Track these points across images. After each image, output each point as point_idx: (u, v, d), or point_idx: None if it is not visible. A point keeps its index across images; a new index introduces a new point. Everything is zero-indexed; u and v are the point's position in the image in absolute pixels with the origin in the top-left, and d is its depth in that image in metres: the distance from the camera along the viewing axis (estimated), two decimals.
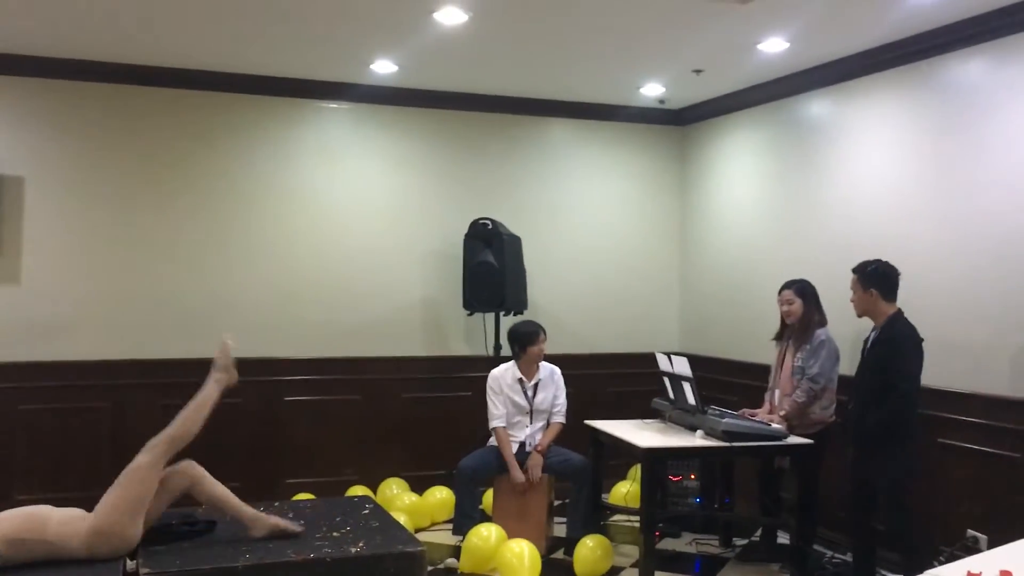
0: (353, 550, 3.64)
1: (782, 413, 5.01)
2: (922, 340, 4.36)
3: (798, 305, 5.11)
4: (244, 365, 6.13)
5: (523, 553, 4.79)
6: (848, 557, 4.93)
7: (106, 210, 5.97)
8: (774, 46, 5.25)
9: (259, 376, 6.21)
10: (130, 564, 3.58)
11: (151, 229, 6.05)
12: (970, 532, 4.54)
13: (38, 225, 5.82)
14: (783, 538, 5.32)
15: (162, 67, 5.95)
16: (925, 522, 4.52)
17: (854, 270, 4.57)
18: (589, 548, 5.03)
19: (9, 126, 5.77)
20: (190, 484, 3.73)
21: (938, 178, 4.92)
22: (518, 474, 5.38)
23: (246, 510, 3.77)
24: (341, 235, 6.47)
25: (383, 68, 5.91)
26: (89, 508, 3.54)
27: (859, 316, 4.59)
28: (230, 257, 6.22)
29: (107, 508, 3.51)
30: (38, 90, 5.81)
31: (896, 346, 4.34)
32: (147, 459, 3.59)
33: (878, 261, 4.53)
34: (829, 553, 5.26)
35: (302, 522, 3.89)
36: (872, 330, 4.54)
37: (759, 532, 5.71)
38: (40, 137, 5.83)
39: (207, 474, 3.78)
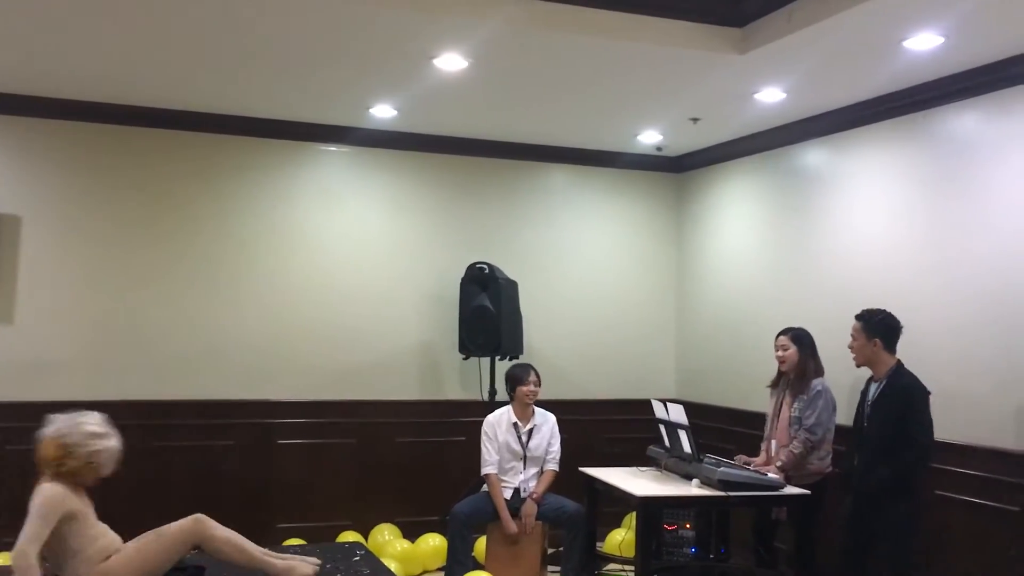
0: None
1: (779, 464, 4.97)
2: (929, 393, 4.34)
3: (793, 352, 5.09)
4: (237, 407, 6.17)
5: None
6: None
7: (102, 250, 5.96)
8: (771, 96, 5.30)
9: (252, 418, 6.18)
10: None
11: (147, 270, 6.04)
12: None
13: (34, 264, 5.81)
14: None
15: (161, 109, 5.99)
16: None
17: (858, 317, 4.53)
18: None
19: (7, 165, 5.78)
20: (200, 541, 3.63)
21: (934, 228, 4.94)
22: (510, 524, 5.31)
23: (258, 557, 3.67)
24: (338, 278, 6.47)
25: (383, 112, 5.95)
26: None
27: (858, 365, 4.55)
28: (226, 298, 6.21)
29: (124, 561, 3.47)
30: (37, 130, 5.84)
31: (908, 398, 4.30)
32: (186, 536, 3.57)
33: (884, 311, 4.48)
34: None
35: (317, 561, 3.79)
36: (872, 381, 4.51)
37: None
38: (38, 177, 5.85)
39: (217, 526, 3.67)
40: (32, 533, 3.30)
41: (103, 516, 3.57)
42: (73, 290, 5.89)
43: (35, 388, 5.72)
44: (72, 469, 3.48)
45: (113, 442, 3.59)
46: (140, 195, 6.06)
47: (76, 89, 5.63)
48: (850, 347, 4.54)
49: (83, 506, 3.52)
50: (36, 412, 5.64)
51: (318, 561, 3.77)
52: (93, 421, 3.59)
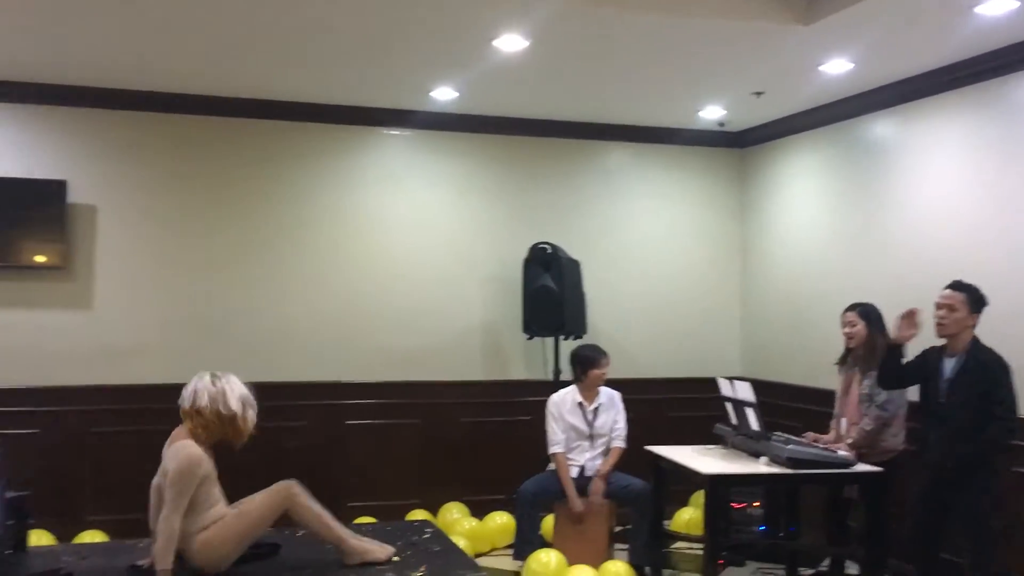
0: (414, 574, 3.64)
1: (849, 441, 4.90)
2: (1008, 367, 4.23)
3: (861, 327, 4.99)
4: (308, 389, 6.29)
5: None
6: None
7: (175, 237, 6.12)
8: (837, 67, 5.19)
9: (321, 400, 6.31)
10: None
11: (218, 255, 6.19)
12: None
13: (110, 253, 5.99)
14: (851, 568, 5.18)
15: (228, 97, 6.10)
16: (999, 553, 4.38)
17: (959, 288, 4.27)
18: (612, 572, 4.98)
19: (83, 157, 5.96)
20: (290, 506, 3.69)
21: (1007, 199, 4.80)
22: (576, 502, 5.34)
23: (337, 532, 3.73)
24: (403, 260, 6.54)
25: (443, 95, 5.98)
26: None
27: (945, 336, 4.33)
28: (295, 282, 6.33)
29: (224, 528, 3.58)
30: (109, 121, 6.00)
31: (992, 374, 4.18)
32: (279, 500, 3.65)
33: (977, 286, 4.29)
34: None
35: (392, 549, 3.80)
36: (944, 355, 4.38)
37: (827, 562, 5.58)
38: (111, 167, 6.02)
39: (307, 494, 3.73)
40: (177, 502, 3.44)
41: None
42: (148, 277, 6.06)
43: (114, 372, 5.92)
44: (219, 433, 3.62)
45: (252, 413, 3.70)
46: (210, 183, 6.20)
47: (146, 80, 5.77)
48: (941, 317, 4.29)
49: (212, 469, 3.65)
50: (116, 395, 5.91)
51: (393, 549, 3.78)
52: (244, 389, 3.71)
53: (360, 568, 3.70)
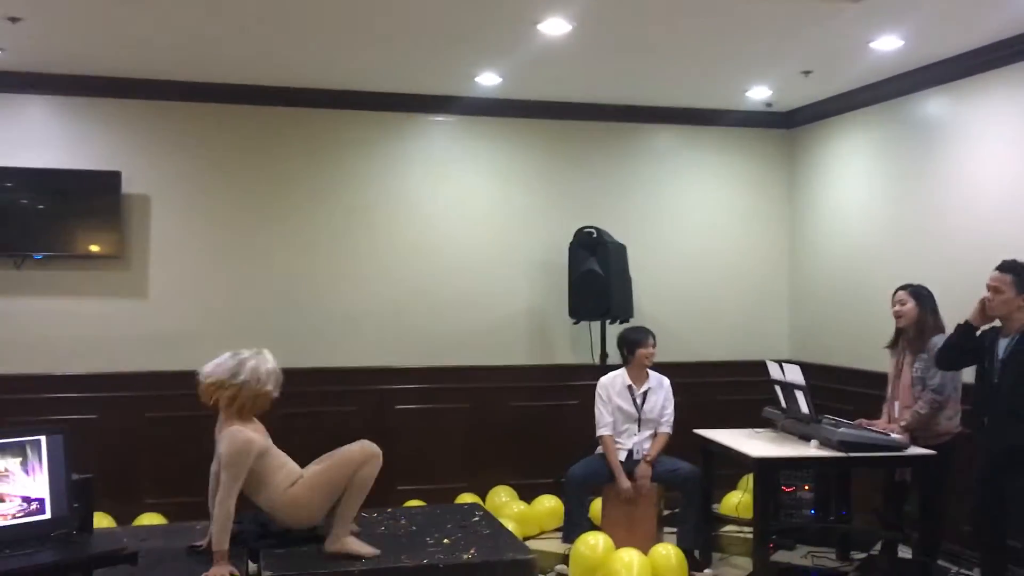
0: (465, 556, 3.69)
1: (903, 424, 4.83)
2: None
3: (911, 307, 4.91)
4: (357, 374, 6.37)
5: (632, 563, 4.75)
6: (975, 573, 4.72)
7: (226, 225, 6.23)
8: (887, 44, 5.10)
9: (371, 385, 6.39)
10: (252, 567, 3.72)
11: (268, 243, 6.28)
12: None
13: (163, 241, 6.11)
14: (904, 552, 5.13)
15: (275, 87, 6.18)
16: None
17: (1007, 269, 4.20)
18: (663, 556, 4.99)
19: (135, 148, 6.07)
20: (360, 466, 3.74)
21: None
22: (625, 482, 5.35)
23: (341, 514, 3.73)
24: (448, 246, 6.58)
25: (488, 80, 5.98)
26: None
27: (993, 319, 4.29)
28: (343, 269, 6.41)
29: (309, 485, 3.70)
30: (161, 112, 6.11)
31: None
32: (358, 457, 3.74)
33: None
34: (954, 568, 5.05)
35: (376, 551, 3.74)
36: (1001, 336, 4.30)
37: (878, 546, 5.53)
38: (164, 157, 6.13)
39: (375, 470, 3.79)
40: (231, 487, 3.55)
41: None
42: (201, 265, 6.17)
43: (170, 359, 6.03)
44: (246, 403, 3.70)
45: (270, 363, 3.79)
46: (260, 172, 6.29)
47: (196, 71, 5.86)
48: (989, 300, 4.24)
49: (265, 439, 3.75)
50: (172, 381, 6.03)
51: (377, 552, 3.69)
52: (244, 354, 3.79)
53: (412, 548, 3.75)
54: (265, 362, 3.78)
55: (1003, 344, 4.25)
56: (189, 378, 6.23)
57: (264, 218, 6.29)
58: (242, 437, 3.63)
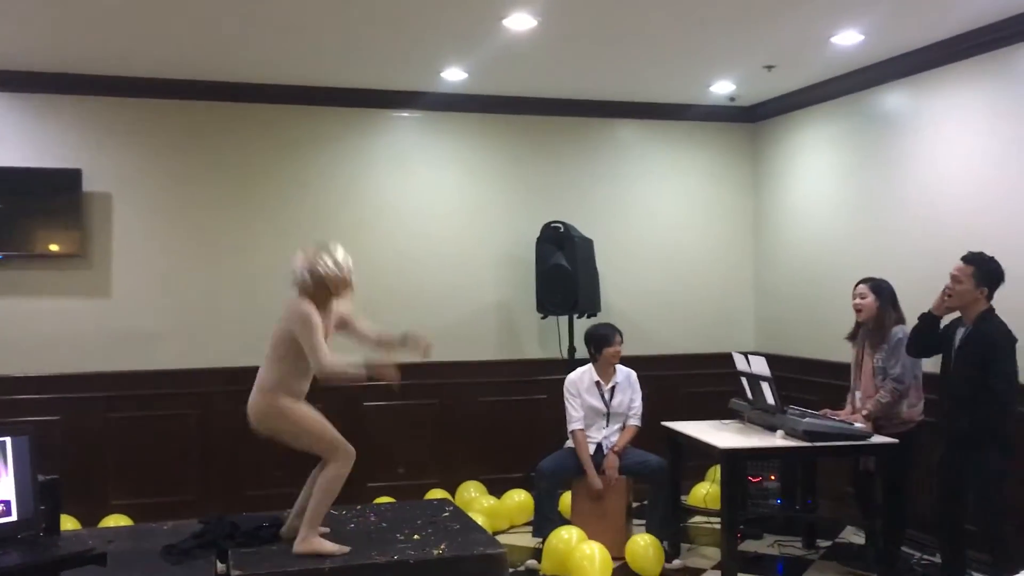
0: (435, 552, 3.70)
1: (865, 413, 4.91)
2: (1016, 340, 4.22)
3: (871, 300, 4.98)
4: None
5: (594, 555, 4.79)
6: (937, 559, 4.81)
7: (189, 223, 6.15)
8: (848, 39, 5.17)
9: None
10: (220, 566, 3.70)
11: (233, 241, 6.22)
12: None
13: (125, 240, 6.03)
14: (858, 538, 5.20)
15: (237, 83, 6.11)
16: (1017, 523, 4.39)
17: (969, 260, 4.28)
18: (641, 547, 5.05)
19: (96, 145, 5.98)
20: (332, 466, 3.90)
21: (1022, 170, 4.77)
22: (596, 480, 5.38)
23: (319, 518, 3.81)
24: (415, 241, 6.56)
25: (453, 76, 5.98)
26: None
27: (952, 309, 4.37)
28: None
29: (299, 416, 3.90)
30: (121, 109, 6.02)
31: (992, 345, 4.17)
32: (340, 447, 3.96)
33: (994, 259, 4.26)
34: (917, 555, 5.14)
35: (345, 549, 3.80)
36: (959, 326, 4.40)
37: (843, 533, 5.61)
38: (125, 155, 6.04)
39: (345, 463, 3.93)
40: (315, 345, 3.79)
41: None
42: (164, 263, 6.10)
43: (133, 358, 5.97)
44: (329, 291, 4.03)
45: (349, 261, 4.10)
46: (223, 169, 6.22)
47: (157, 68, 5.77)
48: (949, 289, 4.33)
49: (326, 326, 3.94)
50: (136, 381, 5.97)
51: (346, 549, 3.76)
52: (332, 248, 4.12)
53: (382, 545, 3.74)
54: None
55: (959, 334, 4.35)
56: (153, 377, 6.18)
57: (228, 216, 6.22)
58: (308, 306, 3.86)
